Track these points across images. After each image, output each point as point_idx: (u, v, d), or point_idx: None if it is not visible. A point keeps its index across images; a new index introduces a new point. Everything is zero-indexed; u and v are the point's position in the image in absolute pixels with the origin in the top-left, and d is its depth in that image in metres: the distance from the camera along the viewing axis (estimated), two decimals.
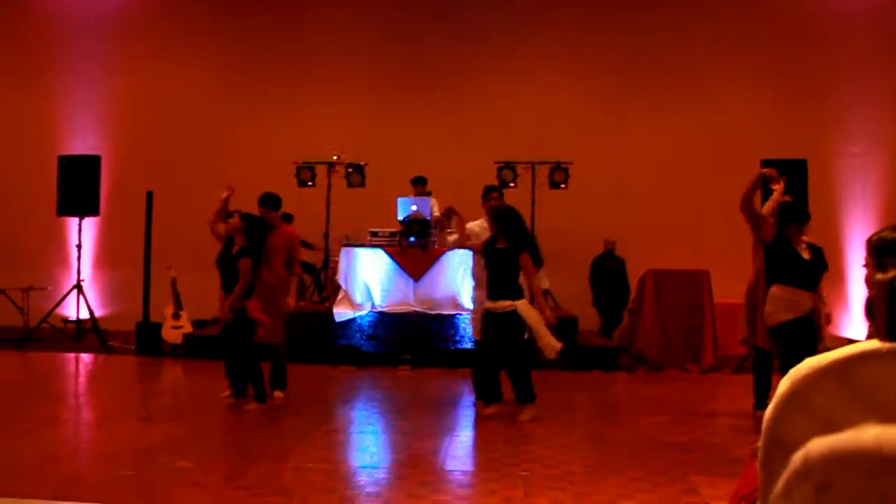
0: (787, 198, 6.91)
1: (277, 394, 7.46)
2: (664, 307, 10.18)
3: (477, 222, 7.62)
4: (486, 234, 7.26)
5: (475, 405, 7.20)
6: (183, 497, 4.31)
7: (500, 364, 6.89)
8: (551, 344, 6.87)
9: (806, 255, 6.55)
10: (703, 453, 5.90)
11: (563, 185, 11.51)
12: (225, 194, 7.49)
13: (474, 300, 7.60)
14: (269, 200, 7.79)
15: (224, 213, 7.48)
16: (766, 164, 10.33)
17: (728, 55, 12.47)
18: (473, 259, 7.52)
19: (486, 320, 6.85)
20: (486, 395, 7.05)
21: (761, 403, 6.91)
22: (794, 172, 10.26)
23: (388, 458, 5.54)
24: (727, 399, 8.35)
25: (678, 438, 6.19)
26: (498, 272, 6.77)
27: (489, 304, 6.79)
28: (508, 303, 6.72)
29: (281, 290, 7.55)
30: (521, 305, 6.73)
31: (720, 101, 12.44)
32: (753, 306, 6.98)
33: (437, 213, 11.05)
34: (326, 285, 11.28)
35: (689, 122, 12.45)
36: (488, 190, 7.64)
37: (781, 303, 6.48)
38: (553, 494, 4.51)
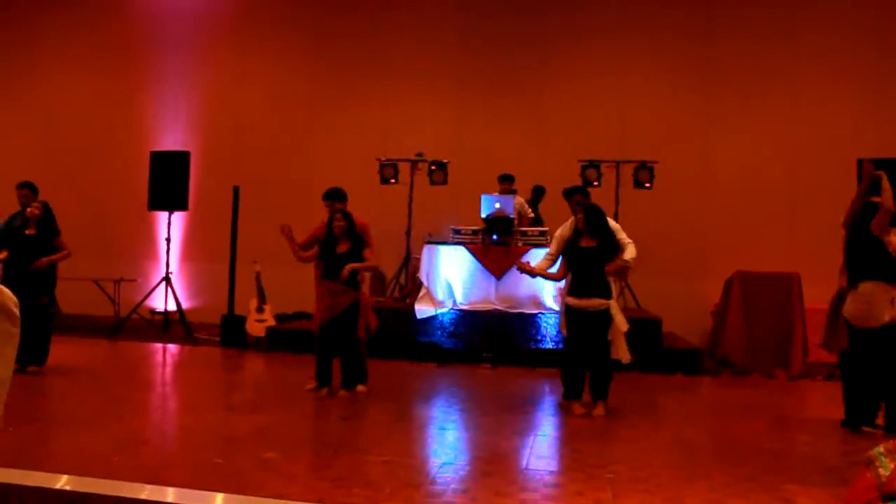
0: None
1: (361, 387, 7.55)
2: (751, 310, 9.93)
3: (564, 225, 7.53)
4: (568, 236, 7.19)
5: (562, 405, 7.13)
6: (272, 486, 4.35)
7: (589, 362, 6.81)
8: (626, 351, 6.83)
9: None
10: (796, 461, 5.71)
11: (647, 185, 11.37)
12: (285, 233, 7.59)
13: (559, 301, 7.54)
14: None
15: (299, 247, 7.59)
16: (861, 163, 10.01)
17: (818, 49, 12.11)
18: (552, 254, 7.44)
19: (574, 318, 6.79)
20: (573, 394, 7.01)
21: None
22: (893, 172, 9.90)
23: (471, 456, 5.50)
24: (817, 407, 8.07)
25: (768, 445, 6.00)
26: (586, 270, 6.72)
27: (576, 302, 6.76)
28: (600, 301, 6.70)
29: None
30: (614, 305, 6.74)
31: (810, 97, 12.09)
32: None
33: (529, 213, 11.02)
34: (408, 282, 11.32)
35: (777, 120, 12.14)
36: (573, 192, 7.53)
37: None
38: (641, 497, 4.41)
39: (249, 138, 13.28)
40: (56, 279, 8.41)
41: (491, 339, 9.89)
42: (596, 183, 11.34)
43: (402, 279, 11.61)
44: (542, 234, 10.15)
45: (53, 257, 8.24)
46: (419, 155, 11.81)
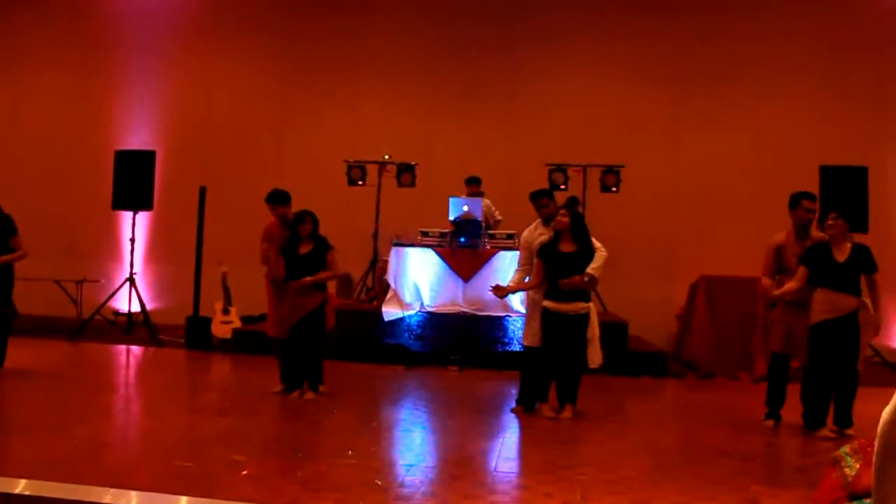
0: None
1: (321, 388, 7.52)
2: (716, 314, 10.02)
3: (529, 228, 7.54)
4: (537, 241, 7.19)
5: (516, 410, 7.13)
6: (240, 489, 4.31)
7: (563, 365, 6.83)
8: (599, 354, 6.88)
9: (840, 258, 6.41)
10: (762, 463, 5.80)
11: (614, 189, 11.43)
12: (267, 256, 7.61)
13: (526, 304, 7.54)
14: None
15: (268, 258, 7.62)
16: (824, 171, 10.19)
17: (784, 58, 12.24)
18: (524, 264, 7.42)
19: (553, 322, 6.79)
20: (533, 400, 7.03)
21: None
22: (854, 180, 10.09)
23: (440, 458, 5.50)
24: (784, 409, 8.16)
25: (734, 447, 6.06)
26: (566, 275, 6.71)
27: (556, 306, 6.76)
28: (582, 305, 6.76)
29: None
30: (593, 309, 6.84)
31: (776, 105, 12.22)
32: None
33: (496, 215, 11.04)
34: (375, 284, 11.29)
35: (743, 125, 12.28)
36: (539, 195, 7.51)
37: (820, 304, 6.41)
38: (611, 499, 4.44)
39: (216, 138, 13.15)
40: (12, 280, 8.20)
41: (458, 341, 9.89)
42: (563, 186, 11.38)
43: (369, 281, 11.56)
44: (510, 236, 10.17)
45: (7, 257, 7.99)
46: (387, 157, 11.78)
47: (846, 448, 2.92)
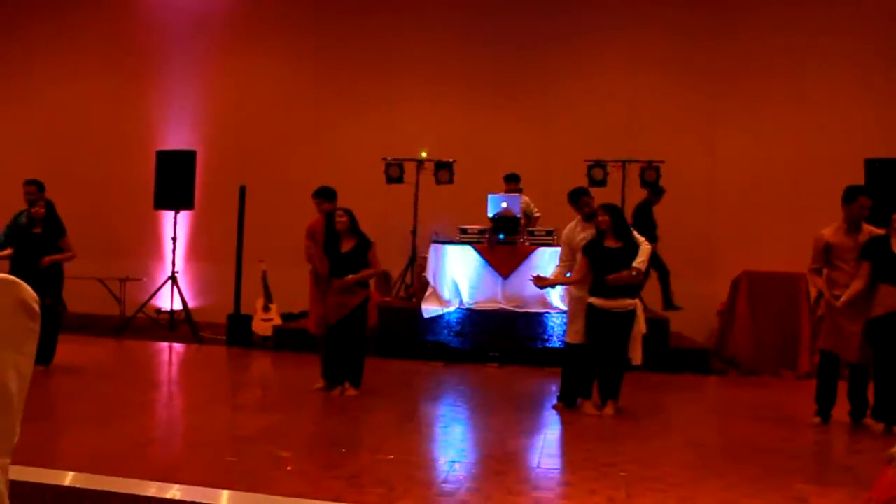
0: None
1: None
2: (758, 310, 9.91)
3: (570, 226, 7.48)
4: (579, 237, 7.16)
5: (557, 406, 7.11)
6: (285, 485, 4.35)
7: (607, 362, 6.81)
8: (640, 352, 6.87)
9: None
10: (808, 461, 5.72)
11: (654, 184, 11.32)
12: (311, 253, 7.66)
13: (566, 301, 7.50)
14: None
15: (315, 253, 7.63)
16: (870, 163, 10.01)
17: (825, 50, 12.04)
18: (565, 259, 7.39)
19: (600, 319, 6.76)
20: (574, 396, 7.00)
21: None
22: None
23: (482, 454, 5.50)
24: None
25: (778, 444, 5.99)
26: (613, 271, 6.67)
27: (603, 303, 6.73)
28: (629, 301, 6.75)
29: None
30: (639, 305, 6.85)
31: (818, 97, 12.03)
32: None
33: (535, 212, 11.00)
34: (414, 282, 11.32)
35: (784, 119, 12.11)
36: (579, 193, 7.46)
37: (882, 298, 6.32)
38: (655, 496, 4.41)
39: (255, 138, 13.27)
40: (63, 279, 8.39)
41: (498, 338, 9.88)
42: (602, 182, 11.32)
43: (408, 278, 11.59)
44: (549, 233, 10.14)
45: (57, 257, 8.17)
46: (425, 154, 11.81)
47: None
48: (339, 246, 7.38)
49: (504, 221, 10.15)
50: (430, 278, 10.16)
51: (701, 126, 12.37)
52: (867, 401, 6.59)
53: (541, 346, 9.78)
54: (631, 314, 6.79)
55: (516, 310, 9.92)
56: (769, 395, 8.45)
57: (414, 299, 10.77)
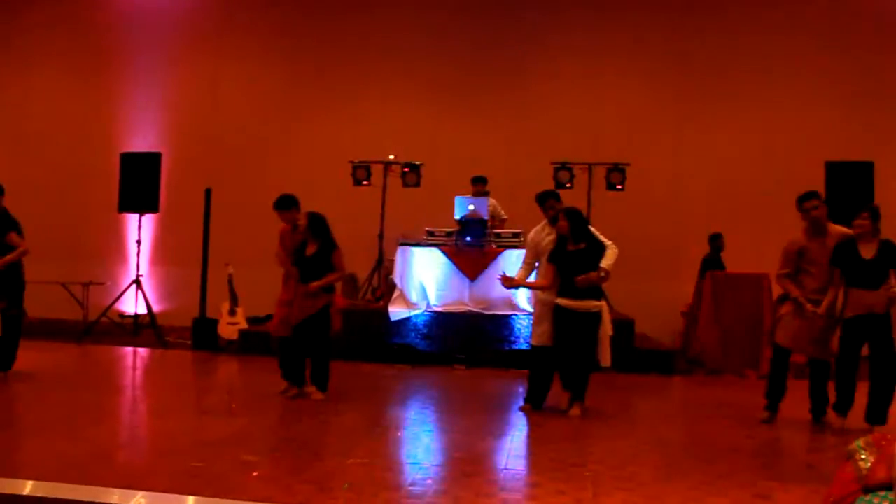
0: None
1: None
2: (722, 311, 10.03)
3: (536, 229, 7.52)
4: (545, 241, 7.20)
5: (524, 408, 7.13)
6: (254, 489, 4.33)
7: (573, 363, 6.84)
8: (609, 355, 6.94)
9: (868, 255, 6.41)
10: (771, 459, 5.81)
11: (619, 187, 11.45)
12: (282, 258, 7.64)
13: (533, 303, 7.55)
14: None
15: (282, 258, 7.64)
16: (830, 166, 10.18)
17: (789, 55, 12.27)
18: (529, 262, 7.43)
19: (566, 319, 6.80)
20: (540, 398, 7.04)
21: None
22: (859, 175, 10.08)
23: (450, 457, 5.51)
24: (789, 405, 8.15)
25: (743, 443, 6.09)
26: (578, 273, 6.72)
27: (569, 303, 6.78)
28: (595, 303, 6.80)
29: None
30: (605, 307, 6.88)
31: (780, 101, 12.24)
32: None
33: (502, 215, 11.03)
34: (381, 284, 11.31)
35: (748, 122, 12.31)
36: (546, 196, 7.50)
37: (849, 301, 6.44)
38: (622, 496, 4.44)
39: (221, 140, 13.18)
40: (22, 282, 8.13)
41: (465, 340, 9.91)
42: (568, 185, 11.40)
43: (375, 281, 11.58)
44: (516, 235, 10.18)
45: (8, 258, 7.81)
46: (392, 157, 11.81)
47: (860, 441, 2.93)
48: (305, 250, 7.37)
49: (471, 224, 10.18)
50: (397, 281, 10.17)
51: (667, 129, 12.52)
52: (827, 398, 6.72)
53: (507, 348, 9.83)
54: (596, 315, 6.83)
55: (483, 312, 9.96)
56: (733, 395, 8.55)
57: (381, 302, 10.76)
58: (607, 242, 6.96)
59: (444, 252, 10.14)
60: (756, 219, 11.60)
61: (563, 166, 11.46)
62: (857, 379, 6.52)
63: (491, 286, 9.94)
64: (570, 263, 6.80)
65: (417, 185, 11.64)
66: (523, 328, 9.74)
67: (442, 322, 10.03)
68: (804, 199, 6.81)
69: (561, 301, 6.83)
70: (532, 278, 7.32)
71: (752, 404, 7.87)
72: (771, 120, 12.19)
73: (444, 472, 4.97)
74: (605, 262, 6.79)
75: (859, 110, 11.88)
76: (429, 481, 4.64)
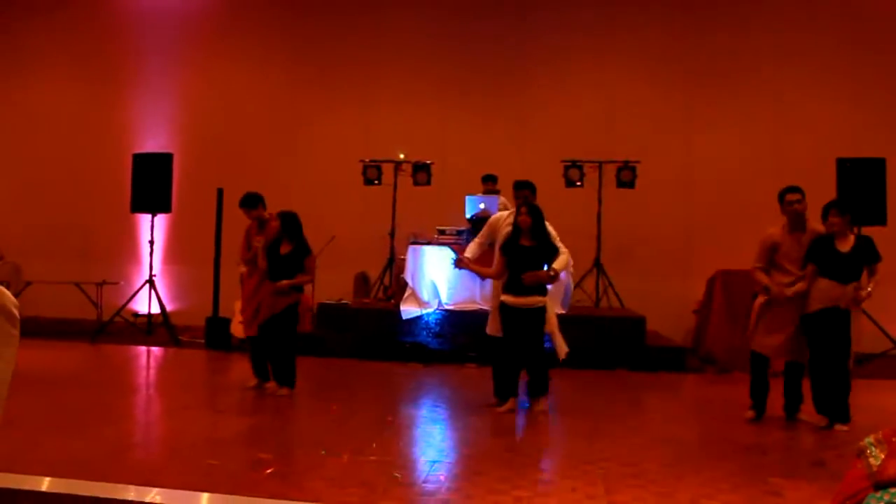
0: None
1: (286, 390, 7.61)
2: (734, 308, 9.99)
3: (502, 213, 7.74)
4: (504, 230, 7.28)
5: (493, 403, 7.11)
6: (267, 487, 4.37)
7: (528, 359, 6.92)
8: (563, 345, 6.99)
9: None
10: (782, 455, 5.81)
11: (631, 185, 11.41)
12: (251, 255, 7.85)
13: (491, 295, 7.63)
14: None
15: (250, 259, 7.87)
16: (841, 163, 10.15)
17: (799, 52, 12.23)
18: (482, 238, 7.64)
19: (511, 316, 6.89)
20: (506, 393, 7.05)
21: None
22: (871, 171, 10.05)
23: (462, 454, 5.54)
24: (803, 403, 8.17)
25: (753, 440, 6.10)
26: (526, 269, 6.81)
27: (513, 300, 6.86)
28: (538, 299, 6.86)
29: None
30: (549, 302, 6.95)
31: (791, 98, 12.21)
32: None
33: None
34: (392, 283, 11.34)
35: (760, 118, 12.27)
36: (523, 186, 7.54)
37: (818, 293, 6.46)
38: (633, 492, 4.47)
39: (232, 140, 13.25)
40: None
41: (476, 338, 9.90)
42: (579, 183, 11.42)
43: (387, 280, 11.62)
44: None
45: None
46: (402, 156, 11.85)
47: (871, 438, 2.95)
48: (279, 248, 7.54)
49: (482, 222, 10.15)
50: (408, 280, 10.19)
51: (677, 125, 12.50)
52: (801, 395, 6.80)
53: None
54: (541, 311, 6.87)
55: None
56: (745, 393, 8.50)
57: (392, 301, 10.79)
58: (562, 248, 7.02)
59: (454, 251, 10.15)
60: (768, 216, 11.51)
61: (574, 164, 11.47)
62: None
63: None
64: (519, 258, 6.89)
65: (428, 183, 11.68)
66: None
67: (453, 320, 10.06)
68: (786, 192, 6.85)
69: (505, 298, 6.91)
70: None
71: None
72: (782, 117, 12.15)
73: (457, 469, 5.00)
74: (557, 265, 6.89)
75: (871, 107, 11.84)
76: (441, 478, 4.67)
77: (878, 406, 7.73)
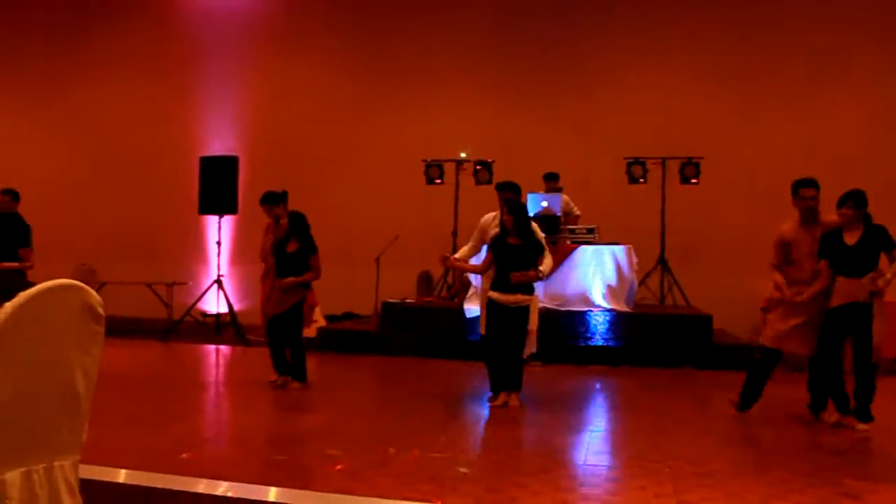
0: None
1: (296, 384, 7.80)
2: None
3: (490, 215, 7.91)
4: (492, 231, 7.44)
5: (490, 399, 7.13)
6: (336, 483, 4.43)
7: (506, 355, 7.02)
8: (533, 345, 7.16)
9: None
10: (858, 457, 5.67)
11: (694, 181, 11.29)
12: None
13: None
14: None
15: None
16: None
17: (864, 45, 11.91)
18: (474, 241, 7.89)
19: (497, 313, 7.00)
20: (498, 387, 7.10)
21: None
22: None
23: (528, 452, 5.56)
24: (878, 403, 7.96)
25: (825, 440, 5.97)
26: (513, 267, 6.91)
27: (500, 297, 6.96)
28: (524, 297, 6.97)
29: None
30: (534, 301, 7.06)
31: (857, 92, 11.90)
32: None
33: (575, 210, 11.02)
34: (455, 282, 11.38)
35: (823, 114, 11.99)
36: (504, 187, 7.72)
37: (836, 290, 6.30)
38: (702, 492, 4.42)
39: (296, 141, 13.44)
40: (21, 287, 8.17)
41: (540, 337, 9.87)
42: (642, 180, 11.32)
43: (450, 279, 11.66)
44: (590, 230, 10.15)
45: (6, 265, 7.97)
46: (464, 155, 11.88)
47: None
48: (286, 247, 7.77)
49: (544, 220, 10.15)
50: (471, 279, 10.21)
51: (740, 120, 12.29)
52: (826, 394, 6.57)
53: (583, 345, 9.79)
54: (526, 309, 6.96)
55: (558, 308, 9.95)
56: None
57: (456, 300, 10.83)
58: (547, 251, 7.11)
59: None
60: (833, 210, 11.28)
61: (636, 161, 11.37)
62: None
63: (565, 283, 9.94)
64: (506, 257, 6.98)
65: (490, 182, 11.65)
66: (599, 325, 9.72)
67: None
68: (801, 185, 6.71)
69: (493, 294, 7.03)
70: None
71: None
72: (846, 110, 11.84)
73: (524, 466, 5.01)
74: (544, 266, 6.98)
75: None
76: (508, 475, 4.69)
77: None
